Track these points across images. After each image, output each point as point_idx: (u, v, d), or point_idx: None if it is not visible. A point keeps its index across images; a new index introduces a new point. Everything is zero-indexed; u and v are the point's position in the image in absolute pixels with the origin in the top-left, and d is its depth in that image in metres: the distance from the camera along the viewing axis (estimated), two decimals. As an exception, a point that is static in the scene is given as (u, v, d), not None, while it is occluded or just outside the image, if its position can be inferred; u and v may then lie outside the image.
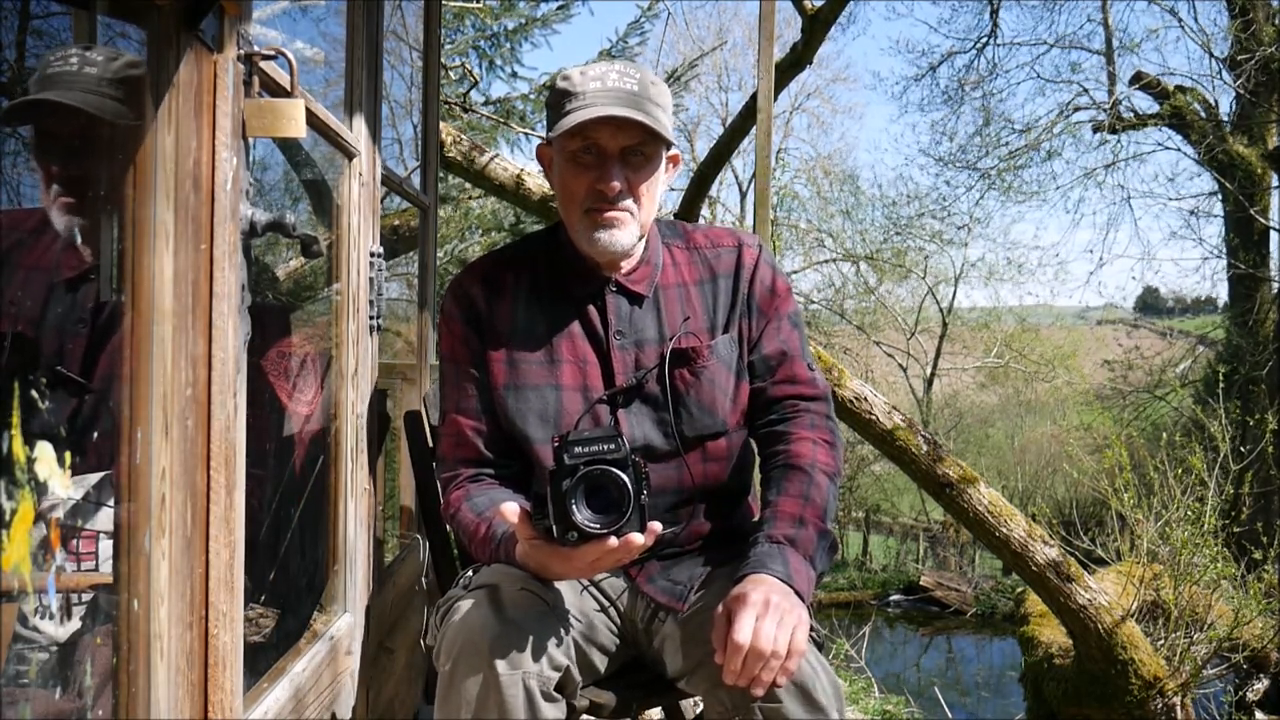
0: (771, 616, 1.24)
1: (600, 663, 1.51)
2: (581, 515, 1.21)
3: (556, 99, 1.46)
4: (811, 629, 1.35)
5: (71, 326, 1.16)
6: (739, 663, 1.23)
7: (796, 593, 1.31)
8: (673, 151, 1.53)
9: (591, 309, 1.52)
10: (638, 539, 1.23)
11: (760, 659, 1.22)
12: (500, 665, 1.25)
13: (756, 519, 1.59)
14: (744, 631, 1.22)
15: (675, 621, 1.48)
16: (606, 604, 1.54)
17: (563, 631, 1.32)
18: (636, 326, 1.52)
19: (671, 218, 5.43)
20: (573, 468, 1.22)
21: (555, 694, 1.29)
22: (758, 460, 1.63)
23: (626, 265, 1.53)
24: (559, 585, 1.42)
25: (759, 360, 1.55)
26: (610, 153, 1.43)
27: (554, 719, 1.28)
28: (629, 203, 1.45)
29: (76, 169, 1.11)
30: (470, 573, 1.44)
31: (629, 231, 1.46)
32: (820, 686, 1.30)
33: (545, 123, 1.57)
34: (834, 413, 1.58)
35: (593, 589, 1.54)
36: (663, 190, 1.55)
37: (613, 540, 1.22)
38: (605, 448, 1.23)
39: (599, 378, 1.50)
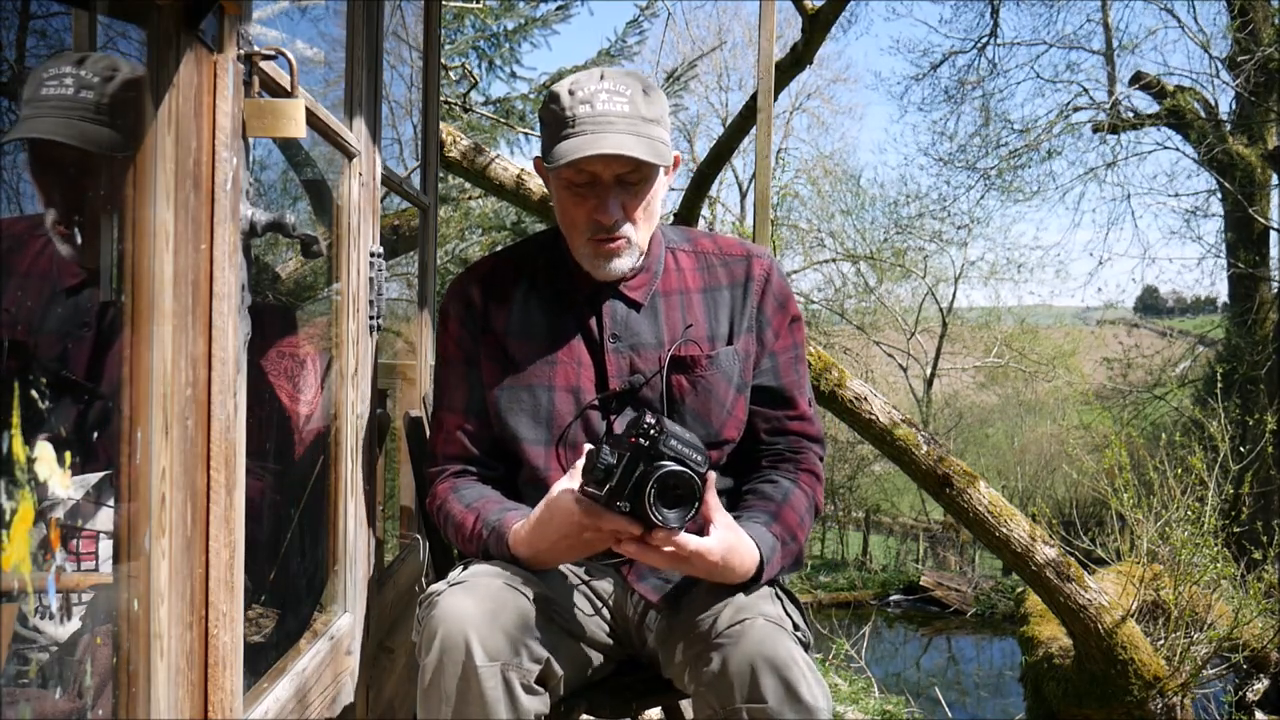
0: (725, 559, 1.32)
1: (596, 662, 1.51)
2: (654, 503, 1.25)
3: (547, 120, 1.46)
4: (797, 629, 1.35)
5: (75, 330, 1.16)
6: (668, 552, 1.29)
7: (760, 568, 1.37)
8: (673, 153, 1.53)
9: (589, 311, 1.52)
10: (664, 537, 1.27)
11: (683, 563, 1.31)
12: (479, 657, 1.24)
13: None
14: (697, 543, 1.29)
15: (667, 619, 1.48)
16: (599, 604, 1.54)
17: (545, 624, 1.32)
18: (633, 330, 1.52)
19: (672, 219, 5.42)
20: (667, 454, 1.25)
21: (537, 687, 1.28)
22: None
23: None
24: (546, 582, 1.42)
25: (765, 391, 1.55)
26: (605, 181, 1.44)
27: (536, 712, 1.27)
28: (627, 228, 1.47)
29: (74, 198, 1.10)
30: (460, 568, 1.44)
31: (630, 257, 1.49)
32: (806, 686, 1.29)
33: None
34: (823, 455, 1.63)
35: (584, 589, 1.53)
36: (664, 194, 1.55)
37: (660, 533, 1.26)
38: (698, 459, 1.28)
39: (591, 380, 1.50)
